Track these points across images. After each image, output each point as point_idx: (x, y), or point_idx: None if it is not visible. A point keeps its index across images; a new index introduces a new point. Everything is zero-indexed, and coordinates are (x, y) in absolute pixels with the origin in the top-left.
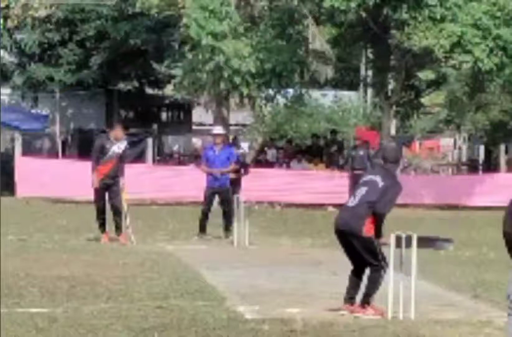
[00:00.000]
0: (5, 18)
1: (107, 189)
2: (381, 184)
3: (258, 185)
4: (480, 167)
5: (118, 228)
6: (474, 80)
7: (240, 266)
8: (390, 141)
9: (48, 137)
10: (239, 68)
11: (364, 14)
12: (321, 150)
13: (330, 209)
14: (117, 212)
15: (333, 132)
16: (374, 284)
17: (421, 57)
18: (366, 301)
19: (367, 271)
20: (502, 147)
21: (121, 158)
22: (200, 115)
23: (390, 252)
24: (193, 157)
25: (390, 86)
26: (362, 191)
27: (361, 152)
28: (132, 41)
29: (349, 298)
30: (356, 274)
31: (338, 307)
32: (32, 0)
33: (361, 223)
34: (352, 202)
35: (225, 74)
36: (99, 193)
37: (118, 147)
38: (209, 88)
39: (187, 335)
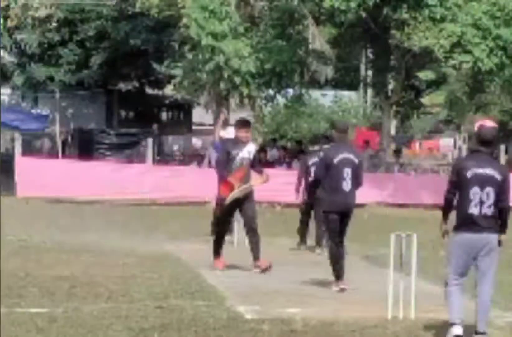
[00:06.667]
0: (5, 18)
1: (239, 204)
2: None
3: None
4: None
5: (255, 253)
6: (474, 80)
7: (240, 266)
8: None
9: (48, 137)
10: (239, 68)
11: (364, 14)
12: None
13: None
14: (254, 234)
15: None
16: None
17: (421, 57)
18: None
19: None
20: (502, 147)
21: (253, 165)
22: (200, 115)
23: (390, 252)
24: (193, 157)
25: (390, 86)
26: None
27: None
28: (132, 41)
29: None
30: None
31: None
32: (32, 0)
33: None
34: None
35: (225, 74)
36: (228, 209)
37: (248, 152)
38: (209, 88)
39: (187, 335)
